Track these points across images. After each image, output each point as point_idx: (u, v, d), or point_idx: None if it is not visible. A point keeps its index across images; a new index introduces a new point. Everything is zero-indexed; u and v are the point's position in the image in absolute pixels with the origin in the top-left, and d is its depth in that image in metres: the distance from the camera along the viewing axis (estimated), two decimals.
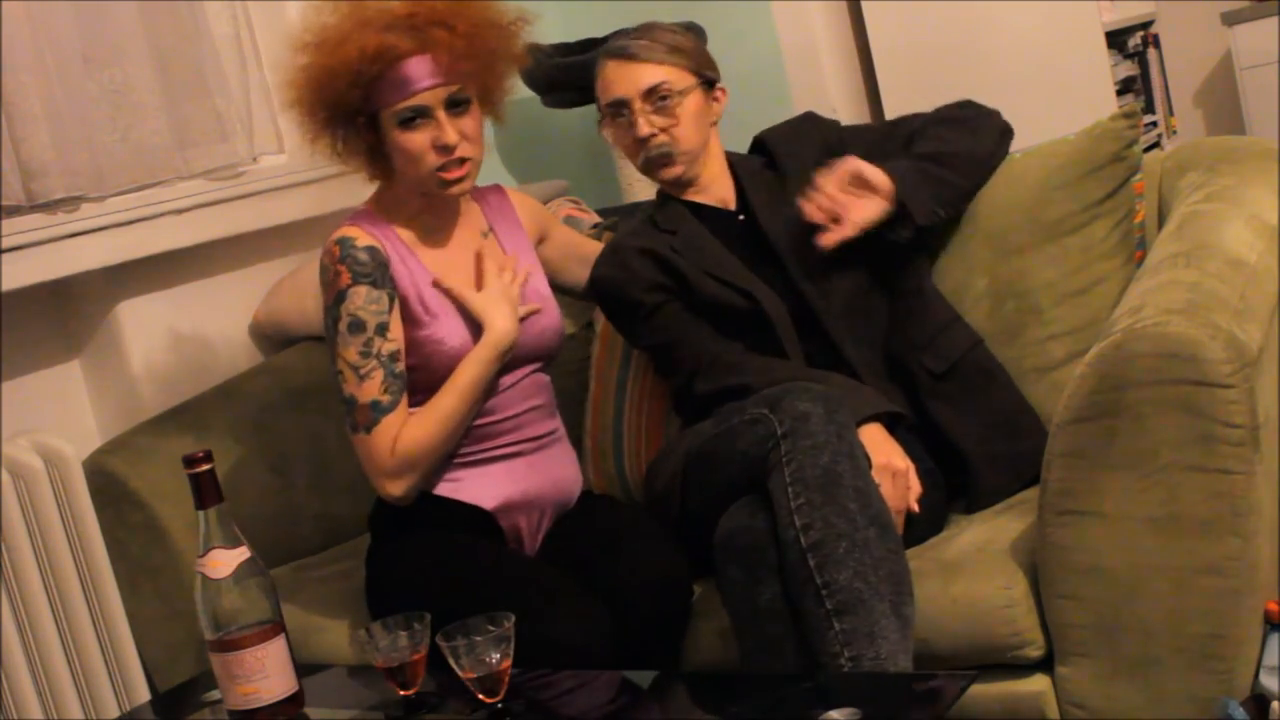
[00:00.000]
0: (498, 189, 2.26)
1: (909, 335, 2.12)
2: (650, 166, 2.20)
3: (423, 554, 2.02)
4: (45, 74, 2.40)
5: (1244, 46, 3.67)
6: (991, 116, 2.23)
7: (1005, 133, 2.23)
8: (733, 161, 2.27)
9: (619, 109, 2.18)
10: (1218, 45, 3.88)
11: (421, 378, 2.03)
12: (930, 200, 2.08)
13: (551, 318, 2.14)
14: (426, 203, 2.08)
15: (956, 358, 2.11)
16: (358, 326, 1.98)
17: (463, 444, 2.06)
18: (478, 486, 2.06)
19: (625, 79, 2.17)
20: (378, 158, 2.06)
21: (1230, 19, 3.69)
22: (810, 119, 2.32)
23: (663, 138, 2.16)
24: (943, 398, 2.08)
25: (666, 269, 2.17)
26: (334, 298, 1.99)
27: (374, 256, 2.01)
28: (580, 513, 2.14)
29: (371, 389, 1.98)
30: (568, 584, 1.93)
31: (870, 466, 1.82)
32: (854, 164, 2.08)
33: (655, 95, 2.16)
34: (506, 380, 2.07)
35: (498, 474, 2.07)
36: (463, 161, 2.00)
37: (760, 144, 2.30)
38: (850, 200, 2.06)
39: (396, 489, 2.01)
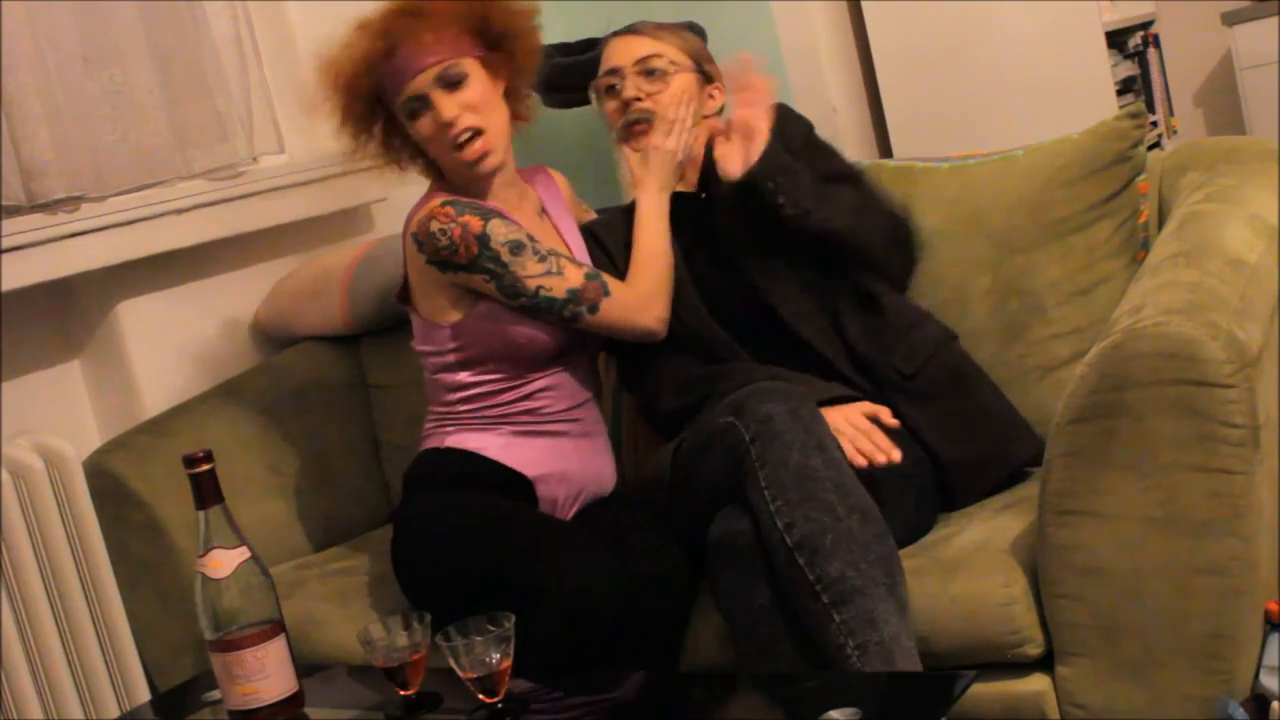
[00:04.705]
0: (543, 171, 2.32)
1: (878, 337, 2.11)
2: (627, 131, 2.20)
3: (453, 500, 2.05)
4: (45, 74, 2.40)
5: (1244, 46, 3.67)
6: (897, 216, 2.17)
7: (899, 224, 2.17)
8: (706, 144, 2.26)
9: (612, 77, 2.22)
10: (1218, 45, 3.88)
11: (496, 346, 2.08)
12: (771, 178, 2.06)
13: None
14: (480, 186, 2.13)
15: (925, 357, 2.09)
16: (518, 246, 2.04)
17: (519, 416, 2.10)
18: (523, 454, 2.10)
19: (623, 49, 2.23)
20: (421, 152, 2.15)
21: (1230, 19, 3.68)
22: (782, 114, 2.27)
23: (646, 103, 2.18)
24: (914, 397, 2.07)
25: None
26: (478, 243, 2.02)
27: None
28: (607, 504, 2.18)
29: (574, 271, 2.06)
30: (589, 537, 1.96)
31: (843, 455, 1.83)
32: (757, 119, 2.08)
33: (646, 64, 2.19)
34: (568, 366, 2.13)
35: (545, 447, 2.11)
36: (474, 135, 2.05)
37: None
38: (733, 142, 2.09)
39: (661, 311, 2.09)
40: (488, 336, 2.08)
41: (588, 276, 2.06)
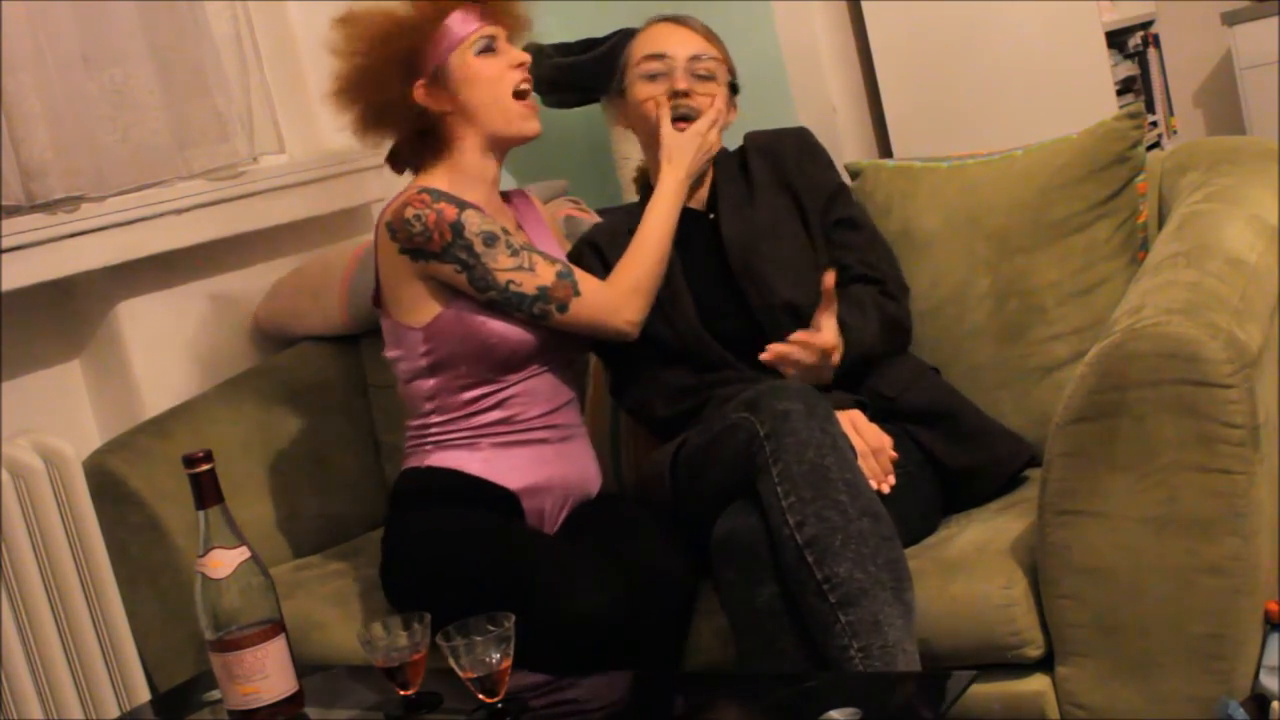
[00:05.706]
0: (522, 193, 2.31)
1: (861, 366, 2.11)
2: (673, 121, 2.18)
3: (443, 523, 2.05)
4: (45, 74, 2.40)
5: (1244, 46, 3.67)
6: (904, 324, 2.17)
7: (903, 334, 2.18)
8: (717, 159, 2.25)
9: (658, 59, 2.17)
10: (1218, 45, 3.88)
11: (468, 347, 2.06)
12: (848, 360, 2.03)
13: None
14: (472, 186, 2.12)
15: (905, 384, 2.08)
16: (491, 238, 2.04)
17: (495, 426, 2.09)
18: (506, 468, 2.09)
19: (676, 38, 2.19)
20: (429, 138, 2.13)
21: (1230, 19, 3.69)
22: (803, 140, 2.27)
23: (694, 100, 2.16)
24: (901, 416, 2.07)
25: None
26: (451, 230, 2.03)
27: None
28: (596, 506, 2.17)
29: (545, 268, 2.05)
30: (584, 557, 1.96)
31: (855, 456, 1.83)
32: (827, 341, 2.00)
33: (700, 64, 2.17)
34: (543, 370, 2.12)
35: (526, 457, 2.10)
36: (530, 90, 2.12)
37: (742, 146, 2.28)
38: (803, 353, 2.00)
39: (633, 314, 2.07)
40: (459, 337, 2.07)
41: (559, 275, 2.05)
